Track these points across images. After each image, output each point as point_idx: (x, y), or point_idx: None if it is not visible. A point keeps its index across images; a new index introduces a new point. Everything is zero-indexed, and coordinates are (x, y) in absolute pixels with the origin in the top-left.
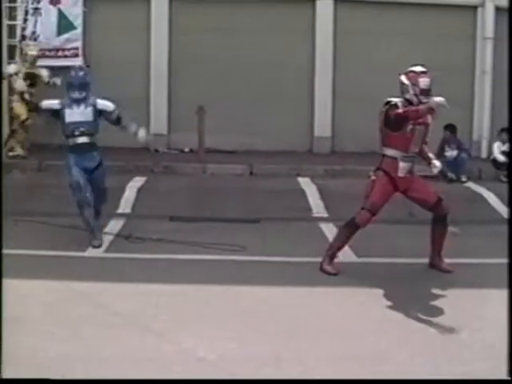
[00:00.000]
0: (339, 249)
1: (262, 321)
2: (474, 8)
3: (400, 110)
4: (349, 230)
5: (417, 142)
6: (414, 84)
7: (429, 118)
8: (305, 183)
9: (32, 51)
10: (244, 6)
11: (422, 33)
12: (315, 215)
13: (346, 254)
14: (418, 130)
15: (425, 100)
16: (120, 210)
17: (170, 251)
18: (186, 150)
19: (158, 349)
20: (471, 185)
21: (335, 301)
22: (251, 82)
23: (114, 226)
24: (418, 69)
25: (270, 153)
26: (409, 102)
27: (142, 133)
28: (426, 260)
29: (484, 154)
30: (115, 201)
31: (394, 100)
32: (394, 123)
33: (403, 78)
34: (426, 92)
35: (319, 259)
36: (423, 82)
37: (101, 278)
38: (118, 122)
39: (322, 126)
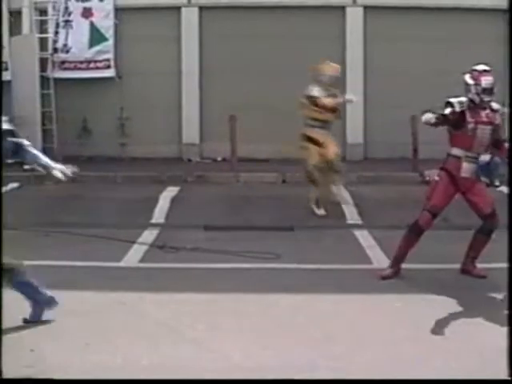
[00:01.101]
0: (405, 254)
1: (298, 329)
2: (504, 12)
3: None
4: (413, 233)
5: (481, 141)
6: (476, 83)
7: (496, 118)
8: (337, 190)
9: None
10: (275, 12)
11: (455, 38)
12: (349, 222)
13: (380, 260)
14: (480, 130)
15: (487, 99)
16: (154, 220)
17: (205, 260)
18: (219, 159)
19: (194, 357)
20: (504, 189)
21: (370, 307)
22: (282, 90)
23: (148, 236)
24: (481, 67)
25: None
26: (472, 102)
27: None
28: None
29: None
30: (149, 211)
31: (453, 100)
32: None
33: (466, 78)
34: (489, 91)
35: (353, 266)
36: (485, 80)
37: (136, 288)
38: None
39: (355, 132)
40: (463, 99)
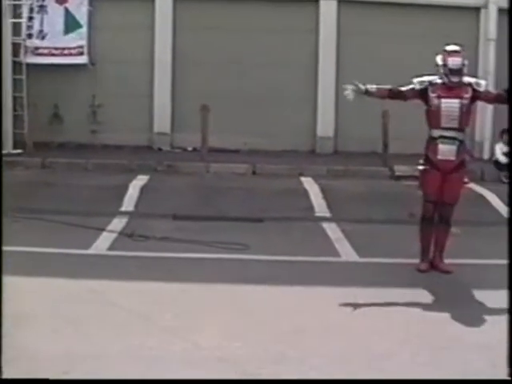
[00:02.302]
0: (428, 245)
1: (265, 320)
2: (477, 9)
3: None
4: (424, 225)
5: (449, 116)
6: (444, 64)
7: (467, 91)
8: (307, 183)
9: None
10: (248, 4)
11: (424, 33)
12: (318, 215)
13: (348, 253)
14: (445, 104)
15: (454, 79)
16: (123, 208)
17: (174, 250)
18: (190, 148)
19: (162, 347)
20: (473, 186)
21: (338, 300)
22: (255, 82)
23: (118, 224)
24: (450, 48)
25: (272, 152)
26: (442, 81)
27: None
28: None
29: (486, 155)
30: (119, 199)
31: (416, 79)
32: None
33: (437, 58)
34: (455, 72)
35: (322, 258)
36: (452, 61)
37: (104, 276)
38: None
39: (325, 125)
40: (427, 78)
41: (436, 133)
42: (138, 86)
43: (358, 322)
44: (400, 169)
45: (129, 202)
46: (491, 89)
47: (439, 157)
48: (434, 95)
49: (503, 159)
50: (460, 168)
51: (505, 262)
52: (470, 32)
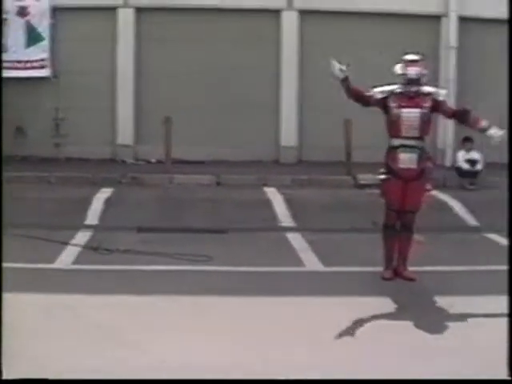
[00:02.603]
0: (391, 254)
1: (229, 330)
2: (438, 18)
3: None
4: (385, 233)
5: (409, 126)
6: (403, 73)
7: (426, 101)
8: (271, 193)
9: None
10: (210, 15)
11: (386, 42)
12: (282, 225)
13: (313, 264)
14: (405, 114)
15: (412, 89)
16: (87, 222)
17: (138, 262)
18: (153, 160)
19: (130, 358)
20: (436, 193)
21: (302, 310)
22: (218, 93)
23: (82, 237)
24: (409, 57)
25: (236, 163)
26: (402, 91)
27: None
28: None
29: (449, 163)
30: (82, 212)
31: (378, 88)
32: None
33: (396, 68)
34: (413, 81)
35: (285, 269)
36: (411, 70)
37: (70, 290)
38: None
39: (289, 135)
40: (388, 88)
41: (396, 142)
42: (101, 98)
43: (324, 330)
44: (364, 177)
45: (93, 215)
46: (452, 101)
47: (400, 165)
48: (394, 105)
49: (465, 166)
50: (421, 176)
51: (467, 268)
52: (431, 40)
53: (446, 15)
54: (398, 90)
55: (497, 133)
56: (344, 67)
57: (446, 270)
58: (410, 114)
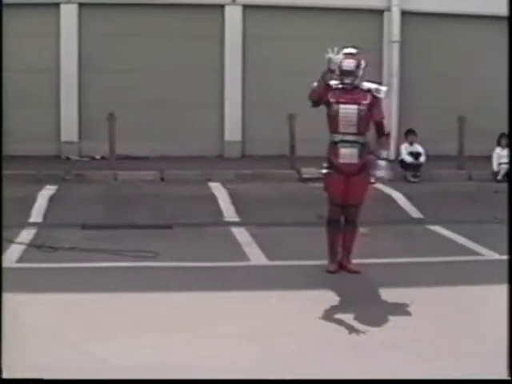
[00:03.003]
0: (335, 248)
1: (176, 327)
2: (381, 12)
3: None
4: (330, 227)
5: (347, 121)
6: (339, 65)
7: (366, 98)
8: (216, 188)
9: None
10: (154, 10)
11: (330, 37)
12: (227, 220)
13: (258, 258)
14: (343, 109)
15: (347, 81)
16: (31, 219)
17: (83, 259)
18: (98, 157)
19: (73, 360)
20: (380, 186)
21: (248, 304)
22: (162, 88)
23: (26, 235)
24: (346, 50)
25: (180, 158)
26: (341, 87)
27: None
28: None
29: (392, 156)
30: (26, 210)
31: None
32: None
33: (332, 60)
34: (347, 73)
35: (231, 263)
36: (345, 63)
37: (13, 289)
38: None
39: (233, 130)
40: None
41: (336, 137)
42: (44, 95)
43: (270, 325)
44: (307, 171)
45: (37, 213)
46: (395, 95)
47: (341, 160)
48: (333, 100)
49: (408, 159)
50: (363, 170)
51: (412, 259)
52: (374, 34)
53: (388, 9)
54: (336, 85)
55: (381, 167)
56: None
57: (391, 262)
58: (348, 111)
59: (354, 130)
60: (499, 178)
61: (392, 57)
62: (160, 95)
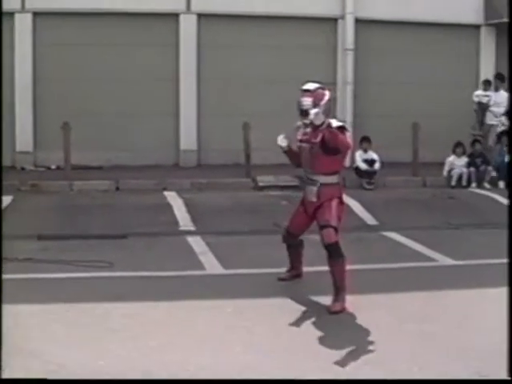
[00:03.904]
0: (292, 267)
1: (132, 337)
2: (335, 20)
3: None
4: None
5: (305, 160)
6: (298, 103)
7: (317, 136)
8: (171, 197)
9: None
10: (108, 19)
11: (284, 45)
12: (182, 229)
13: (213, 266)
14: (302, 148)
15: (304, 120)
16: None
17: (38, 270)
18: (53, 167)
19: (26, 368)
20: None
21: (203, 314)
22: (116, 97)
23: None
24: (304, 87)
25: (136, 167)
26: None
27: None
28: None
29: (347, 163)
30: None
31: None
32: None
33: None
34: (304, 112)
35: (187, 273)
36: (301, 101)
37: None
38: None
39: (188, 139)
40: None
41: (304, 174)
42: None
43: (224, 334)
44: (263, 179)
45: None
46: (349, 103)
47: (308, 198)
48: (298, 138)
49: (363, 166)
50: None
51: (367, 266)
52: (328, 42)
53: (342, 17)
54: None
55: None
56: (283, 137)
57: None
58: (305, 150)
59: (311, 169)
60: (453, 183)
61: (346, 64)
62: (115, 104)
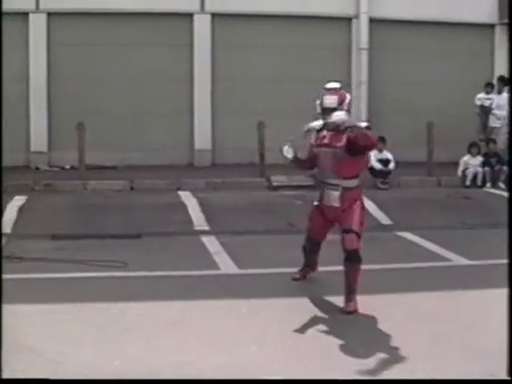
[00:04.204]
0: (307, 265)
1: (146, 337)
2: (349, 20)
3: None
4: (304, 250)
5: (325, 165)
6: (321, 102)
7: (342, 140)
8: (186, 197)
9: None
10: (122, 19)
11: (299, 45)
12: (196, 228)
13: (227, 266)
14: (323, 153)
15: (330, 121)
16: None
17: (52, 270)
18: (67, 167)
19: (38, 368)
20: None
21: (218, 313)
22: (131, 97)
23: None
24: (327, 86)
25: (150, 167)
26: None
27: None
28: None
29: None
30: None
31: (313, 124)
32: None
33: (317, 101)
34: (329, 111)
35: (201, 272)
36: (326, 99)
37: None
38: None
39: (203, 138)
40: (313, 125)
41: (323, 179)
42: (12, 105)
43: (239, 334)
44: (277, 179)
45: (6, 224)
46: (364, 103)
47: (325, 203)
48: (315, 143)
49: (378, 166)
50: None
51: (381, 266)
52: (343, 42)
53: (356, 17)
54: (319, 126)
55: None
56: (288, 147)
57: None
58: (327, 155)
59: (333, 174)
60: (467, 183)
61: (361, 64)
62: (129, 104)
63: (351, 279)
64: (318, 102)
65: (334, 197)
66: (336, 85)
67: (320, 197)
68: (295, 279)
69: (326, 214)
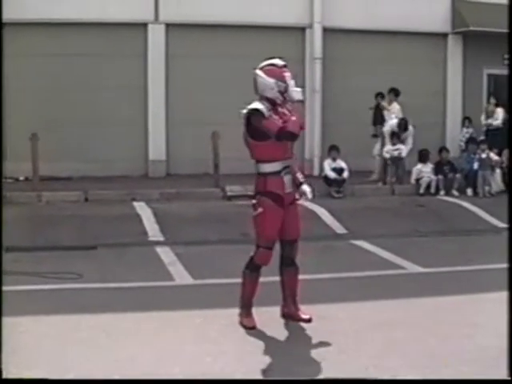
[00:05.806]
0: (251, 296)
1: (99, 349)
2: (303, 29)
3: (280, 125)
4: (251, 272)
5: (289, 146)
6: (280, 79)
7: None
8: (140, 207)
9: None
10: (76, 29)
11: (253, 55)
12: (151, 239)
13: (182, 276)
14: None
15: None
16: None
17: (6, 283)
18: (22, 178)
19: None
20: (304, 202)
21: (173, 324)
22: (84, 107)
23: None
24: (280, 62)
25: (105, 178)
26: (271, 102)
27: None
28: (262, 278)
29: (316, 172)
30: None
31: (258, 106)
32: (263, 134)
33: (262, 74)
34: (286, 89)
35: (156, 283)
36: (288, 76)
37: None
38: None
39: (157, 149)
40: (255, 106)
41: (279, 166)
42: None
43: (194, 345)
44: (232, 189)
45: None
46: (318, 111)
47: (287, 190)
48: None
49: (332, 174)
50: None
51: (336, 275)
52: (297, 52)
53: (310, 27)
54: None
55: (307, 190)
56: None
57: (315, 277)
58: None
59: (290, 156)
60: (421, 191)
61: (315, 73)
62: (83, 115)
63: (297, 283)
64: (273, 80)
65: (291, 181)
66: (283, 61)
67: (276, 190)
68: (252, 327)
69: (285, 202)
